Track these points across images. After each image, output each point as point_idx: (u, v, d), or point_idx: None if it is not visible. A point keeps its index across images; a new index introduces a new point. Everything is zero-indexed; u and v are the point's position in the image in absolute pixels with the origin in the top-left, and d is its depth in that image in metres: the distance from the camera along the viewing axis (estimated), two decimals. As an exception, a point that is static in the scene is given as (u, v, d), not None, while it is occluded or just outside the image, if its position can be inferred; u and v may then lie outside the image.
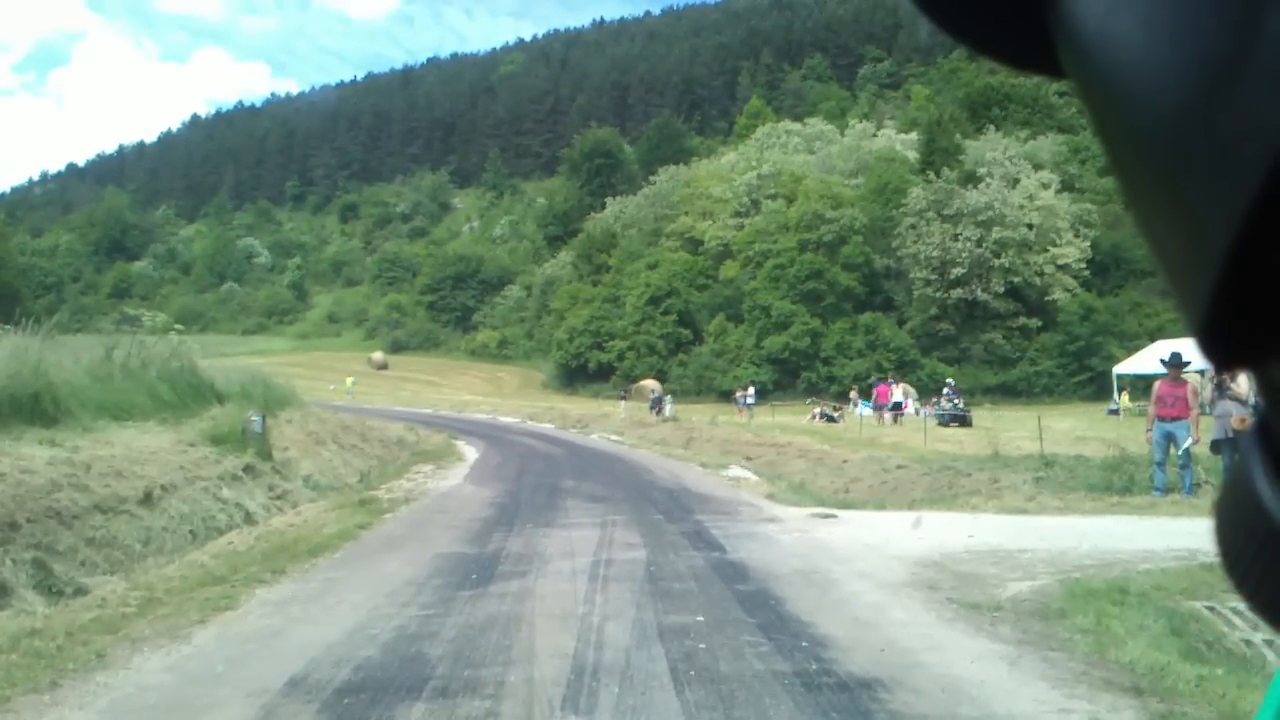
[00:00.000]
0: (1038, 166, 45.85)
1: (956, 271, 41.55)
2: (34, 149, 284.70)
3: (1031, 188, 43.43)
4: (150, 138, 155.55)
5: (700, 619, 5.00)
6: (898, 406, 28.29)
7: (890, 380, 30.58)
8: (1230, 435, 9.18)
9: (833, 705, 3.65)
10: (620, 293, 50.32)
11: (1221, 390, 9.54)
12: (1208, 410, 10.03)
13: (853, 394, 32.53)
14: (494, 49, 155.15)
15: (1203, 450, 9.86)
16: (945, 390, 29.26)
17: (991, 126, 52.02)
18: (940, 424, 23.50)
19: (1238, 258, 0.25)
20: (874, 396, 28.54)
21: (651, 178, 63.30)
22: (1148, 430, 10.03)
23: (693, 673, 4.03)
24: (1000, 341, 42.11)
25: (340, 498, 10.32)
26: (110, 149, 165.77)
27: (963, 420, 24.16)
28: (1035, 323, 41.89)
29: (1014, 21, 0.33)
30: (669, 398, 33.15)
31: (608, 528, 8.30)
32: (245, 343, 69.22)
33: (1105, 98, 0.30)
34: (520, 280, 68.88)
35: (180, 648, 4.53)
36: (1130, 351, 33.97)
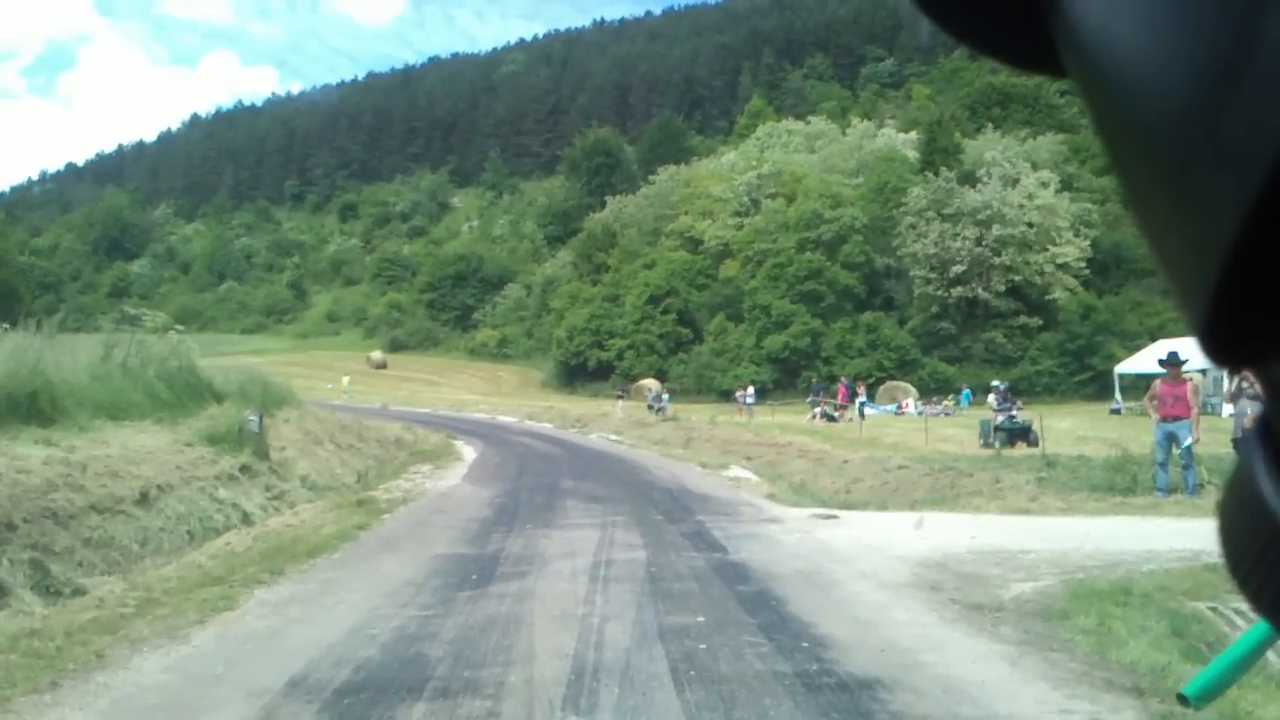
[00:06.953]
0: (1036, 166, 45.80)
1: (956, 270, 41.51)
2: (34, 149, 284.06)
3: (1031, 187, 43.41)
4: (150, 137, 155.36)
5: (701, 619, 4.98)
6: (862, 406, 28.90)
7: (845, 381, 32.82)
8: (1245, 434, 9.18)
9: (834, 705, 3.64)
10: (620, 292, 50.30)
11: (1241, 389, 9.54)
12: (1210, 409, 10.02)
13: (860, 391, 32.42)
14: (495, 49, 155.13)
15: (1204, 449, 9.84)
16: (992, 395, 20.66)
17: (991, 126, 52.03)
18: (986, 444, 16.70)
19: (1239, 256, 0.25)
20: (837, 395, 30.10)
21: (651, 177, 63.19)
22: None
23: (693, 673, 4.01)
24: (1001, 340, 42.06)
25: (338, 498, 10.30)
26: (110, 148, 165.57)
27: (1026, 436, 16.92)
28: (1036, 322, 41.85)
29: (1015, 21, 0.33)
30: (666, 396, 33.11)
31: (608, 528, 8.29)
32: (244, 342, 69.15)
33: (1106, 97, 0.29)
34: (520, 279, 68.79)
35: (179, 648, 4.51)
36: (1131, 351, 34.00)
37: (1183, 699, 1.65)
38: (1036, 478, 10.80)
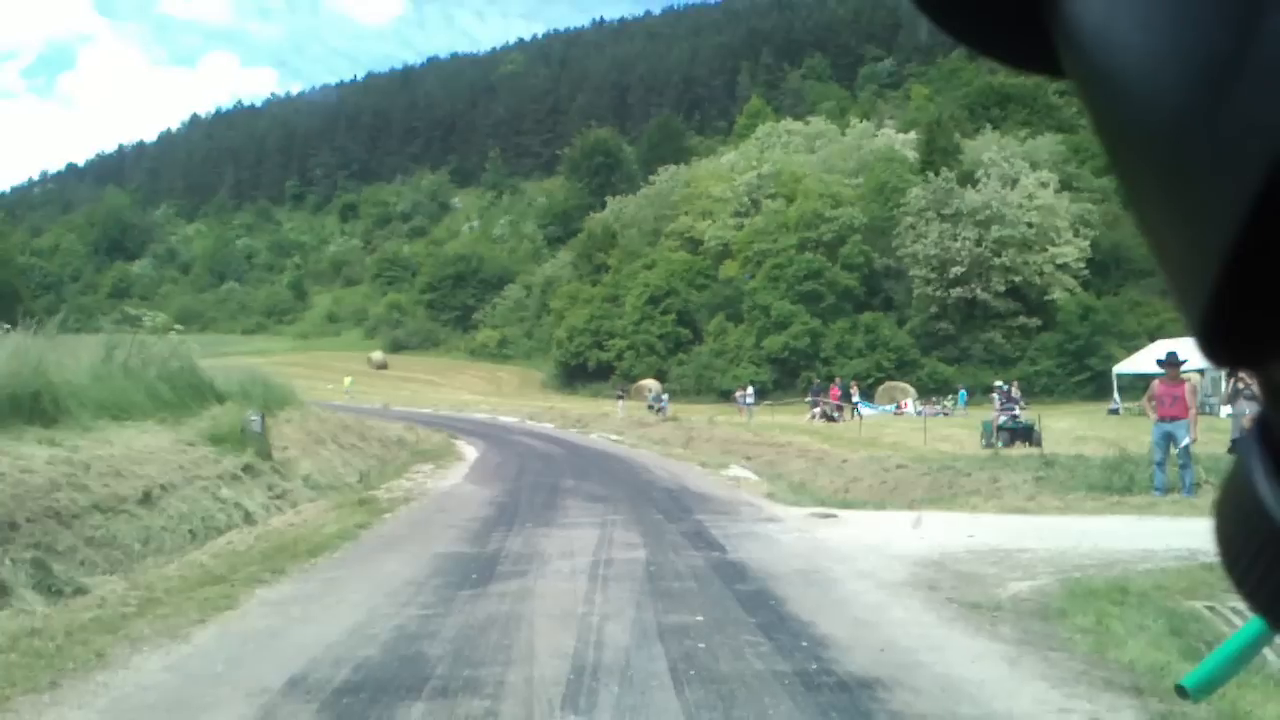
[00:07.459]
0: (1036, 166, 45.82)
1: (956, 270, 41.54)
2: (34, 149, 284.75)
3: (1030, 187, 43.43)
4: (150, 137, 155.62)
5: (700, 619, 5.00)
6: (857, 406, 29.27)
7: (838, 381, 33.61)
8: (1243, 435, 9.20)
9: (833, 705, 3.65)
10: (620, 292, 50.34)
11: (1238, 390, 9.56)
12: (1208, 409, 10.04)
13: (853, 391, 32.49)
14: (494, 49, 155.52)
15: (1201, 449, 9.85)
16: (996, 395, 20.86)
17: (990, 126, 52.07)
18: (988, 444, 16.53)
19: (1238, 257, 0.25)
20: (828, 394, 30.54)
21: (651, 177, 63.27)
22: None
23: (692, 672, 4.03)
24: (1000, 341, 42.09)
25: (340, 497, 10.32)
26: (110, 149, 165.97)
27: (1028, 436, 16.80)
28: (1035, 322, 41.88)
29: (1014, 21, 0.33)
30: (666, 396, 33.30)
31: (607, 527, 8.30)
32: (245, 342, 69.16)
33: (1105, 97, 0.30)
34: (520, 280, 68.86)
35: (180, 647, 4.52)
36: (1129, 351, 34.02)
37: (1181, 690, 1.66)
38: (1034, 477, 10.81)
